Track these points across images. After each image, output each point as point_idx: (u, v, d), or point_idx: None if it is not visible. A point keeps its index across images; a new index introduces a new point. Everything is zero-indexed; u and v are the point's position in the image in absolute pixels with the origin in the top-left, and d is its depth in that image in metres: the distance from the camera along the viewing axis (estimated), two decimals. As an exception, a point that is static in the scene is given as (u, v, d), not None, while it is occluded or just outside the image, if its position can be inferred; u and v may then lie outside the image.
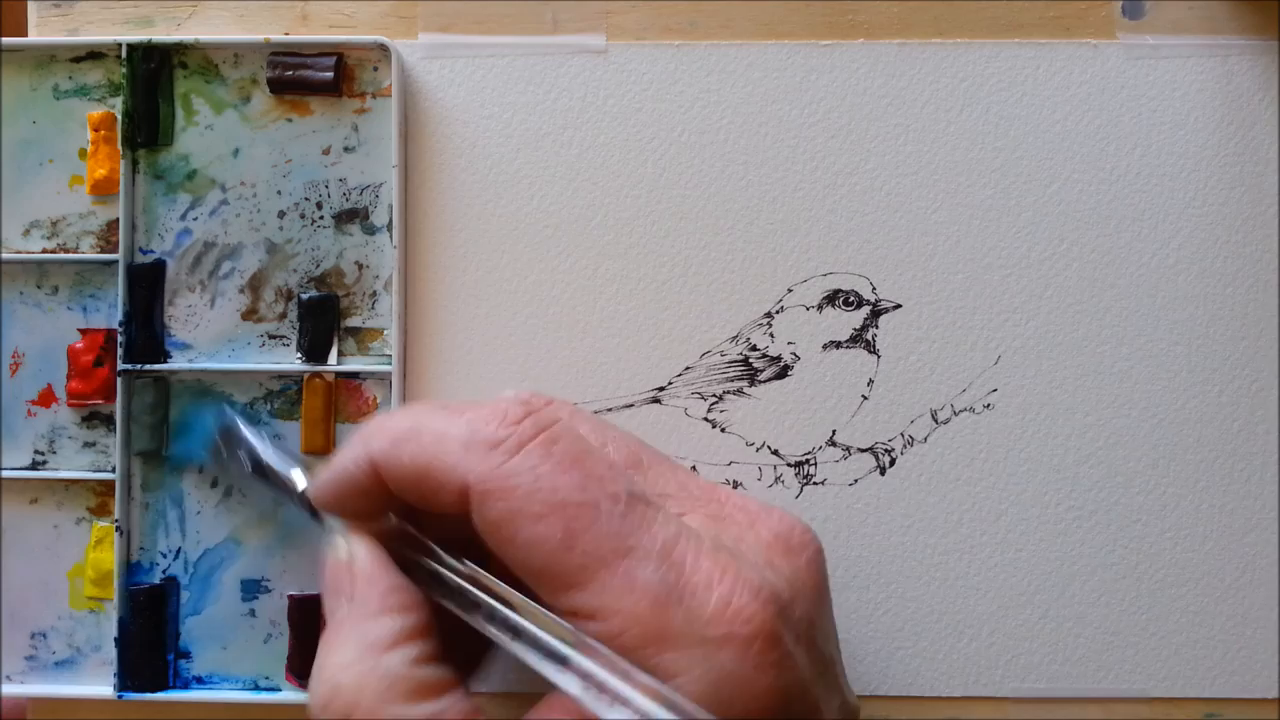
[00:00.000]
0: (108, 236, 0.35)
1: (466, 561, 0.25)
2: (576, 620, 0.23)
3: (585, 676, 0.22)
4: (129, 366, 0.34)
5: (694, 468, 0.34)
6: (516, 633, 0.24)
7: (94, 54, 0.34)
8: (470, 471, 0.24)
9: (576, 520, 0.23)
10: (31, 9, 0.35)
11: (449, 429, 0.24)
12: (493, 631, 0.24)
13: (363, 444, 0.26)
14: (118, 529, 0.34)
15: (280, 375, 0.34)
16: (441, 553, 0.26)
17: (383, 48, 0.34)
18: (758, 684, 0.22)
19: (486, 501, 0.23)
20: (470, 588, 0.25)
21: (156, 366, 0.34)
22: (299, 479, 0.29)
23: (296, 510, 0.29)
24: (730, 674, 0.22)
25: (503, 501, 0.23)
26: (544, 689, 0.24)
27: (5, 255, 0.34)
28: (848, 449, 0.34)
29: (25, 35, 0.35)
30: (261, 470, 0.30)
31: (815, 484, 0.34)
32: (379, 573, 0.25)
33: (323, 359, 0.34)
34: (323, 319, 0.34)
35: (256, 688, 0.34)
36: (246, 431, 0.32)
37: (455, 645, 0.26)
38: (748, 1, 0.35)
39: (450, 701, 0.23)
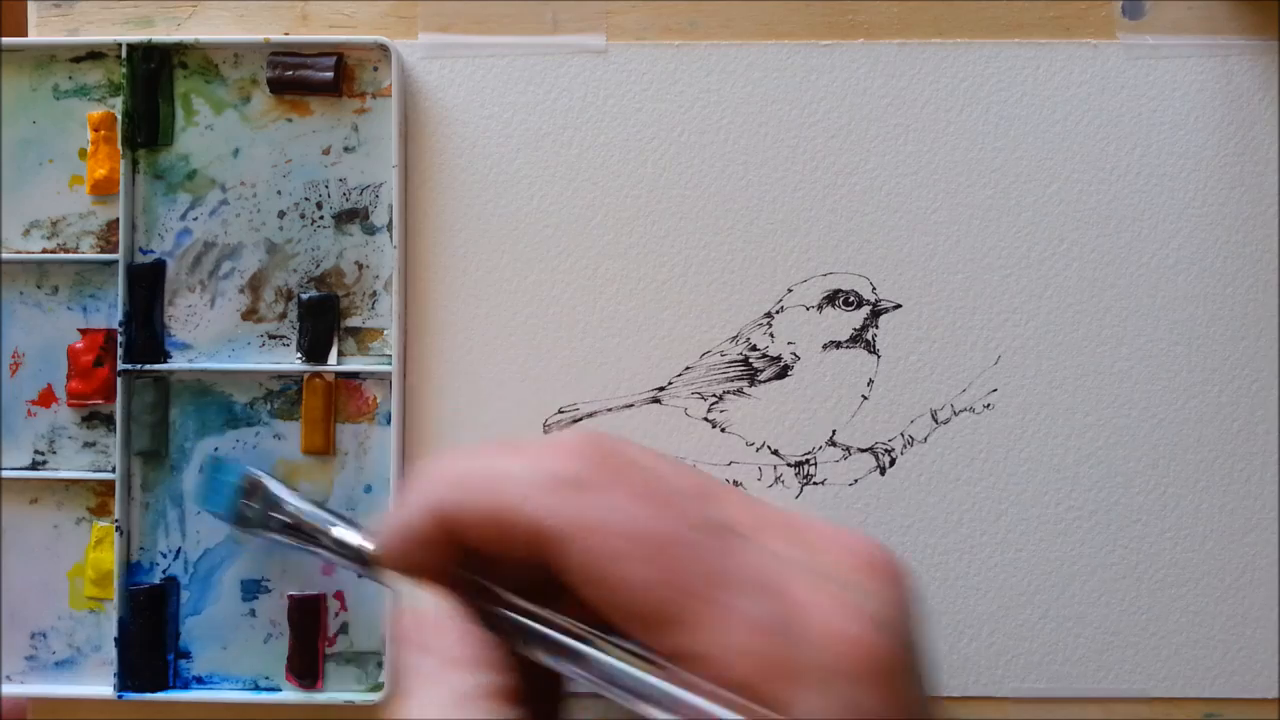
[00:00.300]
0: (108, 236, 0.35)
1: (544, 608, 0.24)
2: (680, 661, 0.22)
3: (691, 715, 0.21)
4: (129, 366, 0.34)
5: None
6: (610, 678, 0.22)
7: (94, 54, 0.34)
8: (547, 515, 0.22)
9: (665, 555, 0.22)
10: (31, 9, 0.35)
11: (518, 471, 0.23)
12: (583, 677, 0.23)
13: (424, 494, 0.24)
14: (118, 529, 0.34)
15: (280, 375, 0.34)
16: (518, 600, 0.24)
17: (383, 48, 0.34)
18: (878, 713, 0.21)
19: (568, 545, 0.22)
20: (555, 634, 0.23)
21: (156, 366, 0.34)
22: (350, 536, 0.27)
23: (342, 564, 0.27)
24: (851, 704, 0.21)
25: (585, 543, 0.22)
26: None
27: (5, 255, 0.34)
28: (848, 449, 0.34)
29: (25, 35, 0.35)
30: (296, 530, 0.28)
31: (815, 484, 0.34)
32: (458, 623, 0.24)
33: (323, 359, 0.34)
34: (323, 319, 0.34)
35: (256, 688, 0.34)
36: (275, 488, 0.28)
37: (532, 699, 0.25)
38: (748, 1, 0.35)
39: None
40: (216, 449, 0.34)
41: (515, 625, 0.24)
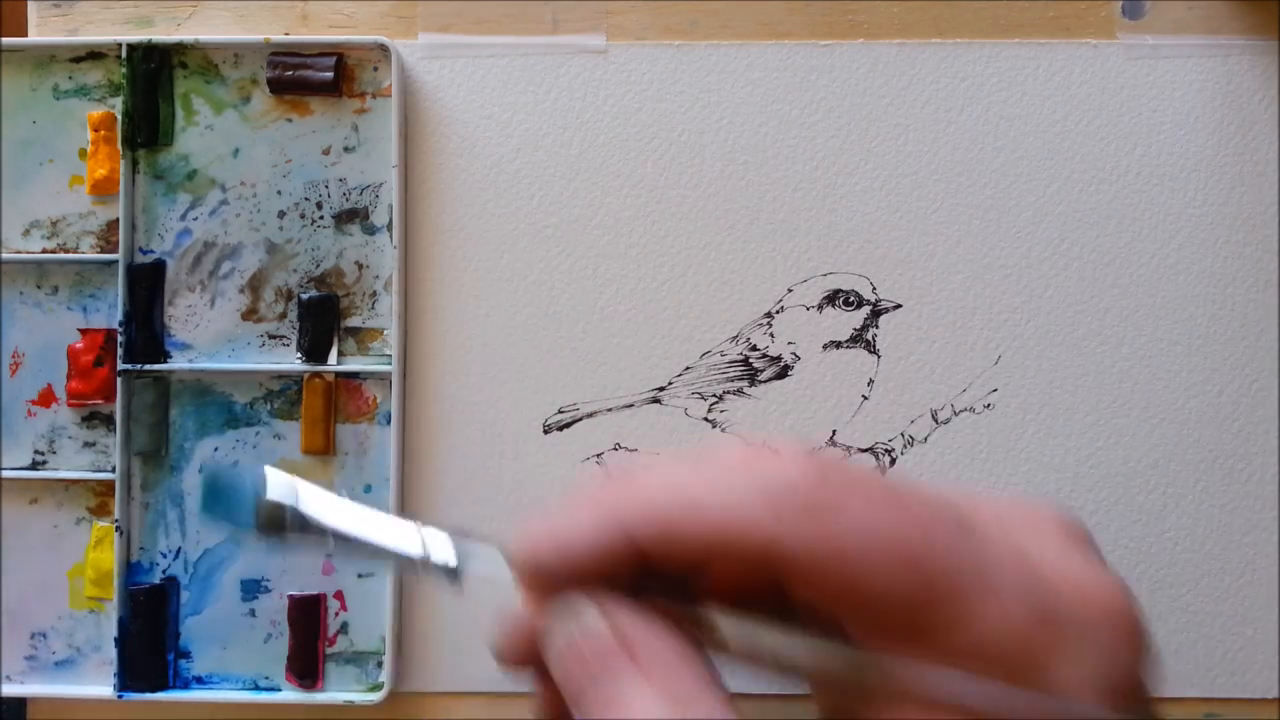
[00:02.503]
0: (108, 236, 0.35)
1: (732, 614, 0.22)
2: (949, 658, 0.21)
3: (941, 701, 0.20)
4: (129, 366, 0.34)
5: (694, 468, 0.34)
6: (856, 675, 0.21)
7: (94, 54, 0.34)
8: (785, 533, 0.21)
9: (921, 558, 0.21)
10: (31, 9, 0.35)
11: (735, 483, 0.21)
12: (814, 678, 0.22)
13: (604, 512, 0.22)
14: (118, 529, 0.34)
15: (280, 375, 0.34)
16: (712, 613, 0.22)
17: (383, 48, 0.34)
18: (1139, 665, 0.22)
19: (812, 558, 0.21)
20: (777, 642, 0.22)
21: (156, 366, 0.34)
22: (436, 549, 0.23)
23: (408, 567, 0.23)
24: (1110, 658, 0.21)
25: (833, 554, 0.21)
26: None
27: (5, 255, 0.34)
28: (848, 449, 0.34)
29: (25, 35, 0.35)
30: (354, 542, 0.23)
31: (815, 484, 0.34)
32: (656, 629, 0.22)
33: (323, 359, 0.34)
34: (323, 319, 0.34)
35: (256, 687, 0.34)
36: (312, 497, 0.23)
37: None
38: (748, 1, 0.35)
39: None
40: (216, 449, 0.34)
41: (715, 631, 0.22)
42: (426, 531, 0.23)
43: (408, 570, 0.24)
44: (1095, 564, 0.23)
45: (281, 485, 0.23)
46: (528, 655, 0.23)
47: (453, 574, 0.23)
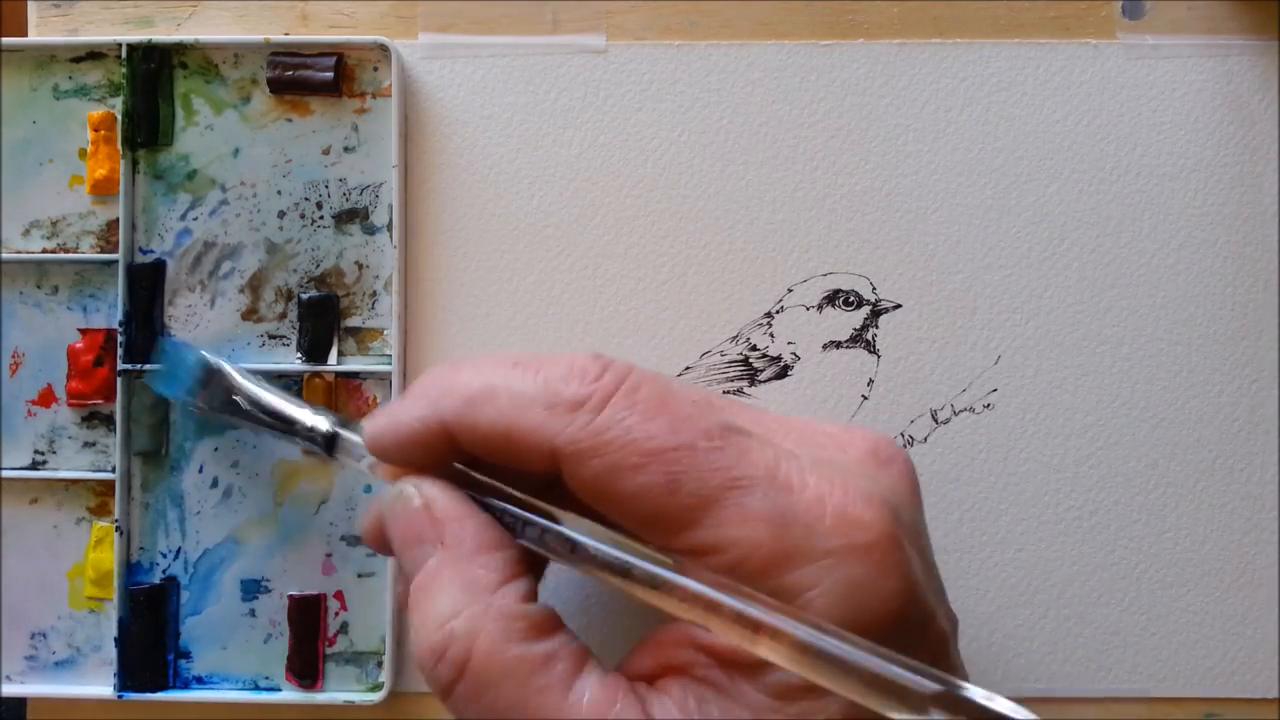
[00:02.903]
0: (108, 236, 0.35)
1: (542, 502, 0.25)
2: (695, 558, 0.23)
3: (696, 600, 0.22)
4: (129, 366, 0.34)
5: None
6: (624, 571, 0.23)
7: (94, 54, 0.34)
8: (558, 434, 0.23)
9: (677, 463, 0.22)
10: (31, 9, 0.35)
11: (527, 389, 0.24)
12: (592, 569, 0.23)
13: (430, 403, 0.25)
14: (118, 529, 0.34)
15: (280, 375, 0.34)
16: (519, 494, 0.25)
17: (383, 48, 0.34)
18: (884, 588, 0.22)
19: (581, 462, 0.23)
20: (567, 530, 0.24)
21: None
22: (320, 421, 0.28)
23: (296, 446, 0.28)
24: (857, 582, 0.22)
25: (598, 459, 0.23)
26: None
27: (5, 255, 0.34)
28: (848, 449, 0.34)
29: (25, 35, 0.35)
30: (262, 410, 0.30)
31: (815, 484, 0.34)
32: (466, 512, 0.24)
33: (323, 359, 0.34)
34: (323, 319, 0.34)
35: (256, 688, 0.34)
36: (237, 374, 0.31)
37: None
38: (748, 1, 0.35)
39: (564, 639, 0.23)
40: (217, 448, 0.34)
41: (519, 517, 0.25)
42: (317, 410, 0.29)
43: (297, 438, 0.29)
44: (872, 498, 0.23)
45: (214, 359, 0.31)
46: (382, 536, 0.26)
47: (329, 443, 0.28)
